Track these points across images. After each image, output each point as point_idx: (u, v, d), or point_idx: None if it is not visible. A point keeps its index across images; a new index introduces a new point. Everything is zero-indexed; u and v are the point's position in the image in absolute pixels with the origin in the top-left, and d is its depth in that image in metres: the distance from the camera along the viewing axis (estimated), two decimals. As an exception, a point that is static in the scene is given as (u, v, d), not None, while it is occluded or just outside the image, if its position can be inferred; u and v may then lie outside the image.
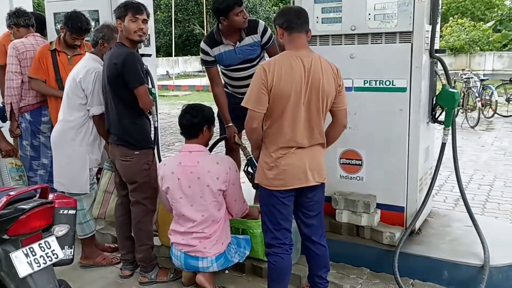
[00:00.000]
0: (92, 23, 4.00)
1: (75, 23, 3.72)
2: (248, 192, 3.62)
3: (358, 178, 3.51)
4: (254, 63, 3.71)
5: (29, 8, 5.09)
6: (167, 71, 25.96)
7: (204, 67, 3.82)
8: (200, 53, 3.73)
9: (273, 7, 34.42)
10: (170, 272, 3.37)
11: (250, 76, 3.73)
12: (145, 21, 3.10)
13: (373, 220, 3.37)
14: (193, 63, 30.32)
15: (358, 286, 3.15)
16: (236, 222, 3.29)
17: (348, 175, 3.54)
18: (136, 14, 3.03)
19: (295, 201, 2.70)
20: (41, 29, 4.40)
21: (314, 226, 2.77)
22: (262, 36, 3.63)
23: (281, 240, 2.68)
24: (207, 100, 15.43)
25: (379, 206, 3.44)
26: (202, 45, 3.68)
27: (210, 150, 3.66)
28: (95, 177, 3.58)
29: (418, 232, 3.51)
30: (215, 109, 3.52)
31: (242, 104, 2.58)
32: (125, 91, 3.03)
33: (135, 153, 3.14)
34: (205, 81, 23.76)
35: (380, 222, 3.43)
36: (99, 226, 4.05)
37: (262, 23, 3.69)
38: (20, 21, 4.17)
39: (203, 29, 29.16)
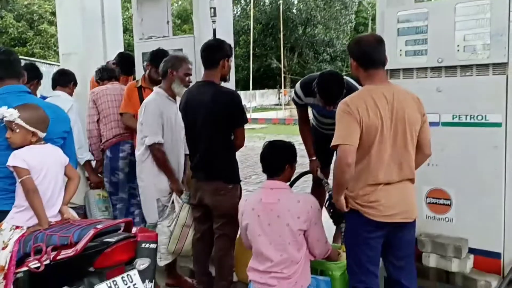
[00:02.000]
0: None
1: (160, 59, 3.91)
2: (327, 230, 3.50)
3: (447, 219, 3.26)
4: None
5: (120, 48, 5.59)
6: (244, 105, 26.58)
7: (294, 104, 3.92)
8: (294, 93, 3.82)
9: (350, 40, 34.37)
10: (247, 308, 3.32)
11: None
12: None
13: (465, 266, 3.09)
14: (269, 97, 30.90)
15: None
16: (314, 263, 3.16)
17: (436, 215, 3.30)
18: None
19: (384, 241, 2.55)
20: (130, 68, 4.70)
21: (405, 269, 2.60)
22: None
23: (367, 284, 2.53)
24: (284, 133, 15.61)
25: (471, 251, 3.15)
26: (297, 87, 3.73)
27: (293, 183, 3.63)
28: (166, 206, 3.60)
29: (518, 282, 3.17)
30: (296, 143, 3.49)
31: (332, 144, 2.46)
32: (229, 129, 3.24)
33: (229, 187, 3.24)
34: (281, 114, 24.03)
35: (473, 269, 3.14)
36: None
37: None
38: (104, 75, 4.58)
39: (280, 63, 29.74)
